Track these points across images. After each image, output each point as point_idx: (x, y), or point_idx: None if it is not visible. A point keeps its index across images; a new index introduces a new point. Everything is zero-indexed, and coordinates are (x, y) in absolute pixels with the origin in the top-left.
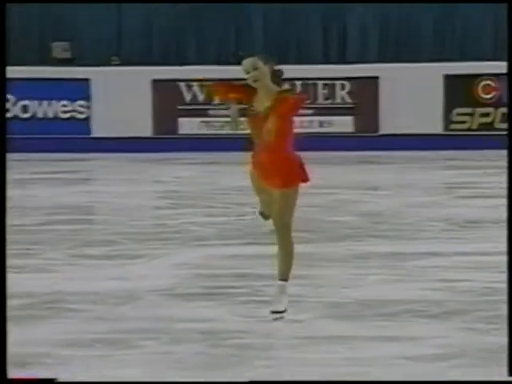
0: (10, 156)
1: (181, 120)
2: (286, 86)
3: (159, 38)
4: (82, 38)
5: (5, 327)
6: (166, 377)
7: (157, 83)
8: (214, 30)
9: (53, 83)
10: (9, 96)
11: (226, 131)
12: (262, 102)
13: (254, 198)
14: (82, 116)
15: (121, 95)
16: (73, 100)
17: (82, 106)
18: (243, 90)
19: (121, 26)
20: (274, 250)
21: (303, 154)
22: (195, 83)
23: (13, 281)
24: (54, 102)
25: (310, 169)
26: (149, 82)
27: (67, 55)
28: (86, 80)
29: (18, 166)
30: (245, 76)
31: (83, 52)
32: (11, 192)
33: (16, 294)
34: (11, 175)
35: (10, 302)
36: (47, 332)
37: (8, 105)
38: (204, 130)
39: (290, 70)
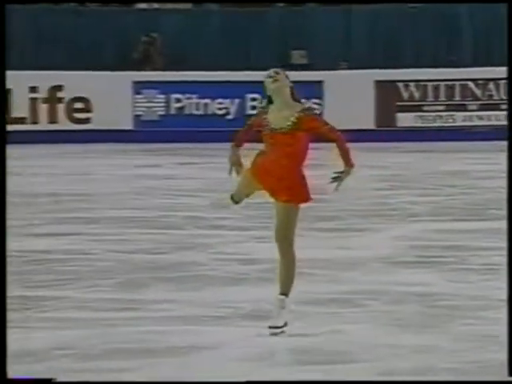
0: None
1: (399, 115)
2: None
3: (381, 43)
4: (316, 46)
5: (5, 327)
6: (387, 332)
7: (379, 83)
8: (427, 35)
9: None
10: (257, 95)
11: (438, 124)
12: (277, 114)
13: (451, 181)
14: (317, 112)
15: (348, 94)
16: (309, 98)
17: (316, 103)
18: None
19: (349, 34)
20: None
21: (495, 144)
22: (411, 83)
23: (255, 249)
24: None
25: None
26: (372, 82)
27: (304, 61)
28: (320, 82)
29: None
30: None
31: (317, 58)
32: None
33: (258, 259)
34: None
35: (253, 267)
36: None
37: (256, 103)
38: (419, 123)
39: (496, 71)
